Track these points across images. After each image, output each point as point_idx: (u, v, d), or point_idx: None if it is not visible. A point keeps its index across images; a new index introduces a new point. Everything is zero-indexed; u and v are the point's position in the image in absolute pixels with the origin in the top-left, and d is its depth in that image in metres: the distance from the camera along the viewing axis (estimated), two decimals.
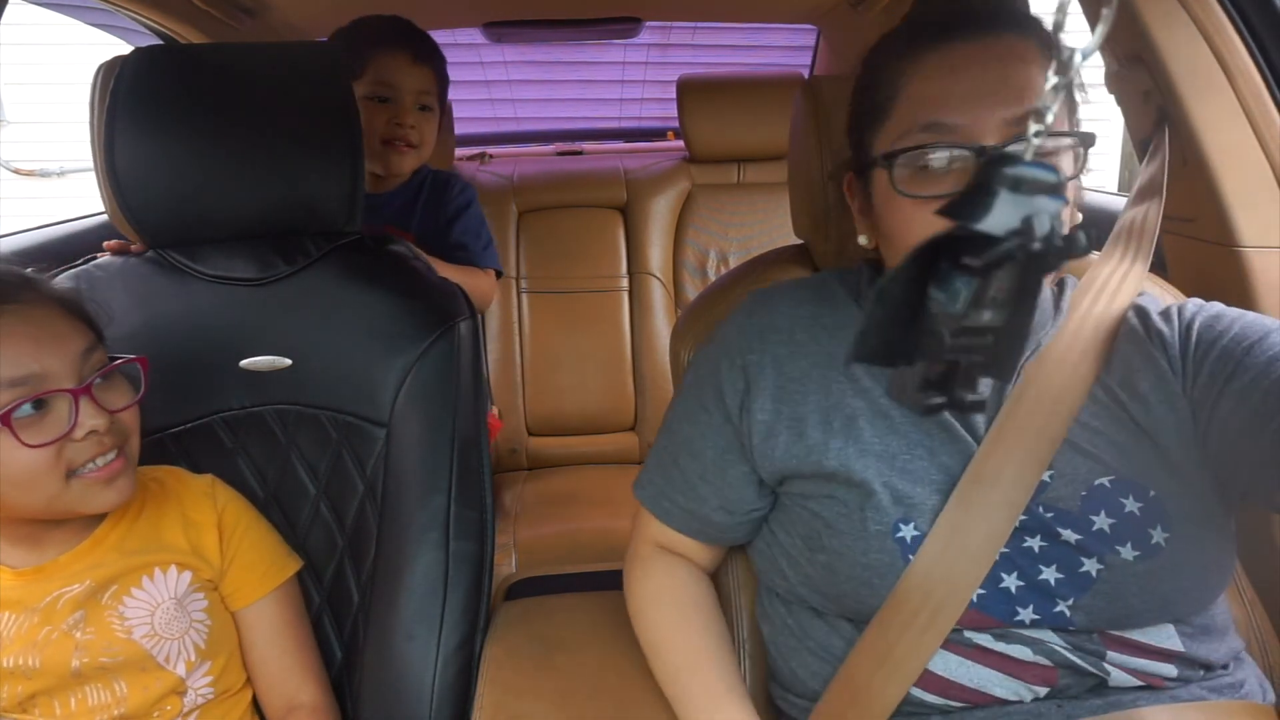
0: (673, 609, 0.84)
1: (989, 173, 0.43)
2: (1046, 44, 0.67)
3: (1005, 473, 0.67)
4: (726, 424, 0.79)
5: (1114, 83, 1.01)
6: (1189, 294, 0.88)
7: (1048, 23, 0.66)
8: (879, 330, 0.48)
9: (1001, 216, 0.42)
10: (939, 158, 0.67)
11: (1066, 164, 0.69)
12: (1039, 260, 0.43)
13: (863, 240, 0.79)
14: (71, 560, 0.82)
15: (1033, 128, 0.63)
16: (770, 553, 0.80)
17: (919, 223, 0.68)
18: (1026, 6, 0.72)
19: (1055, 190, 0.43)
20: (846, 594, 0.71)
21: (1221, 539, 0.70)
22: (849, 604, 0.72)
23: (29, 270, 0.82)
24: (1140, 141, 0.98)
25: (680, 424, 0.84)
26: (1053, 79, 0.63)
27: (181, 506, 0.89)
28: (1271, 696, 0.72)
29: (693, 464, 0.81)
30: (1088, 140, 0.68)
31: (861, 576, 0.70)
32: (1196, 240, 0.97)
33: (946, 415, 0.72)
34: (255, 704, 0.93)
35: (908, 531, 0.69)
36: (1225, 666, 0.71)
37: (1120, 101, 1.01)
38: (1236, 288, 0.92)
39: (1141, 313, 0.74)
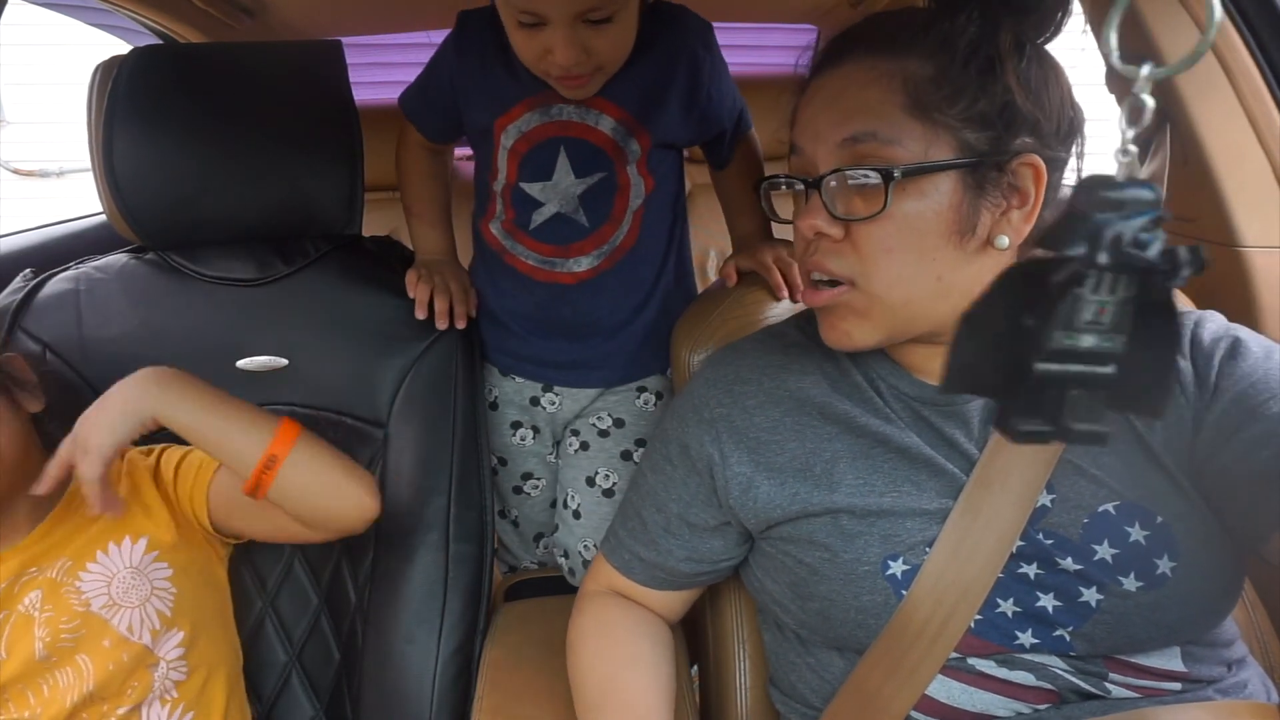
0: (594, 640, 0.81)
1: (1080, 197, 0.42)
2: (919, 58, 0.64)
3: (1013, 472, 0.66)
4: (691, 476, 0.78)
5: (1114, 83, 1.00)
6: (1189, 294, 0.87)
7: (932, 34, 0.64)
8: (970, 360, 0.47)
9: (1090, 236, 0.42)
10: (782, 186, 0.71)
11: (865, 201, 0.64)
12: (1138, 281, 0.42)
13: None
14: (25, 547, 0.82)
15: (865, 153, 0.64)
16: (761, 599, 0.80)
17: (798, 246, 0.71)
18: (900, 25, 0.67)
19: (1151, 206, 0.42)
20: (844, 635, 0.71)
21: (1231, 561, 0.67)
22: (848, 641, 0.71)
23: None
24: (1140, 142, 0.98)
25: (646, 476, 0.82)
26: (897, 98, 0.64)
27: (131, 480, 0.88)
28: (1275, 696, 0.71)
29: (656, 517, 0.80)
30: (886, 175, 0.63)
31: (856, 619, 0.69)
32: (1196, 240, 0.97)
33: (929, 450, 0.70)
34: (246, 695, 0.92)
35: (897, 568, 0.68)
36: (1229, 668, 0.71)
37: (1120, 101, 1.01)
38: (1236, 288, 0.92)
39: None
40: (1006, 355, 0.45)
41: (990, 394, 0.47)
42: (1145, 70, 0.42)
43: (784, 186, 0.71)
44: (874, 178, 0.63)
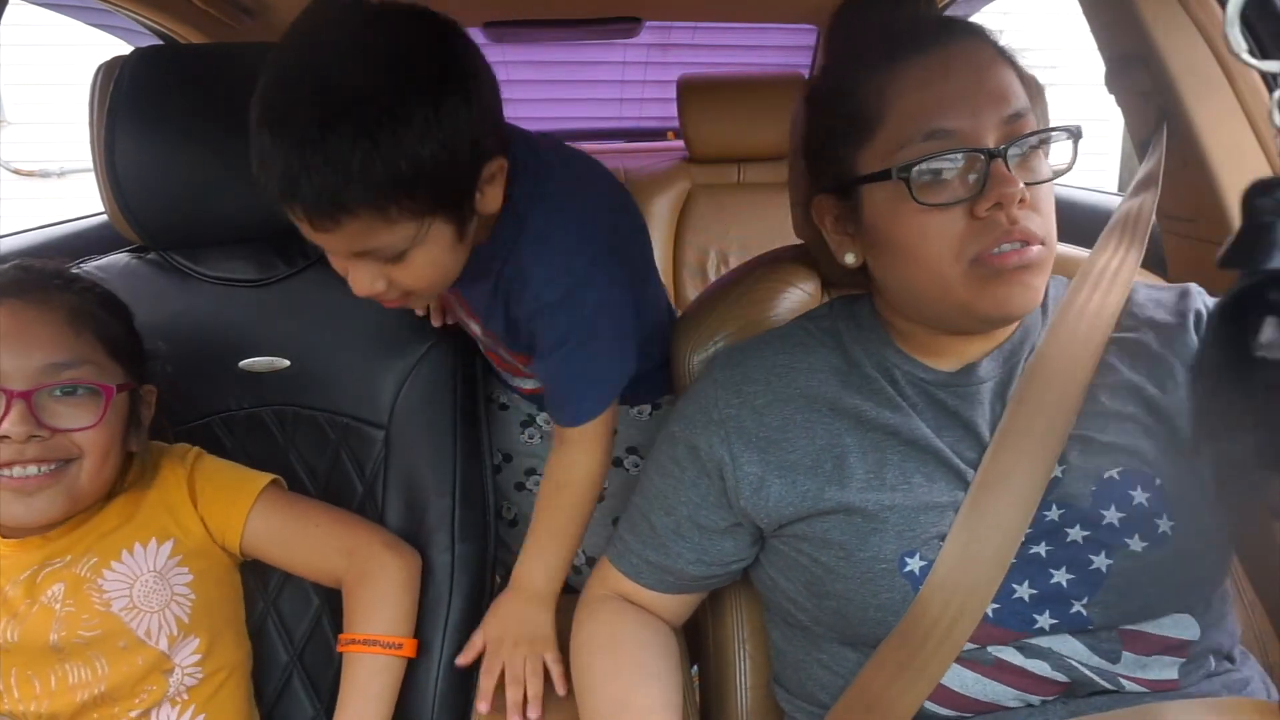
0: (605, 654, 0.79)
1: (1261, 206, 0.40)
2: (1001, 50, 0.71)
3: (1016, 474, 0.67)
4: (701, 478, 0.77)
5: (1114, 83, 1.00)
6: None
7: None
8: (1215, 408, 0.45)
9: None
10: (951, 164, 0.66)
11: (1063, 156, 0.70)
12: None
13: (850, 259, 0.76)
14: (57, 535, 0.82)
15: (1025, 126, 0.67)
16: (773, 598, 0.79)
17: (934, 231, 0.67)
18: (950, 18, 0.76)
19: None
20: (862, 633, 0.71)
21: (1218, 522, 0.70)
22: (865, 638, 0.71)
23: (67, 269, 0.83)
24: (1140, 141, 0.98)
25: (653, 479, 0.82)
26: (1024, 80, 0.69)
27: (159, 475, 0.89)
28: (1275, 694, 0.72)
29: (665, 520, 0.79)
30: (1076, 133, 0.68)
31: (875, 616, 0.69)
32: (1196, 240, 0.97)
33: (937, 441, 0.71)
34: (253, 694, 0.92)
35: (915, 564, 0.68)
36: (1231, 659, 0.71)
37: (1120, 101, 1.01)
38: None
39: (1181, 308, 0.74)
40: (1258, 392, 0.42)
41: (1257, 437, 0.43)
42: None
43: (951, 165, 0.67)
44: (1067, 141, 0.69)
